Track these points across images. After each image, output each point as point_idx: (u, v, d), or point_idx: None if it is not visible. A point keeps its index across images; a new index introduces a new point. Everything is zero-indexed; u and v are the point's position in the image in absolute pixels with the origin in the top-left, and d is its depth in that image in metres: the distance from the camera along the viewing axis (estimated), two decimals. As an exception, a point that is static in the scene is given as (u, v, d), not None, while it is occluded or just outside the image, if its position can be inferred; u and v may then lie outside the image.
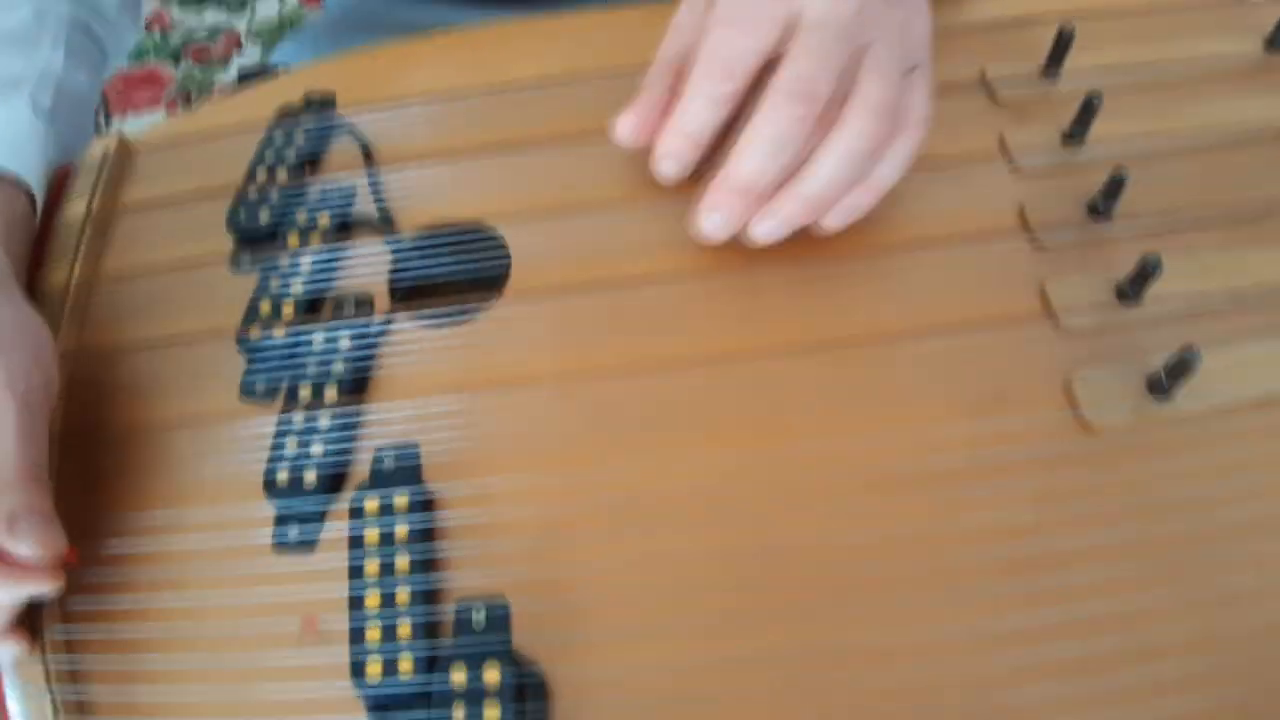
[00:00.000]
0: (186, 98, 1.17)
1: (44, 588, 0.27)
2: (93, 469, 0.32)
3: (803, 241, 0.34)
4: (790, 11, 0.30)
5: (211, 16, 1.28)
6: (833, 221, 0.32)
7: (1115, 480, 0.29)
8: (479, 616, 0.27)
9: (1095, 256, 0.33)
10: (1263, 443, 0.29)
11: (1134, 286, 0.31)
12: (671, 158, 0.33)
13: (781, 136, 0.29)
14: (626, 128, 0.33)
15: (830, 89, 0.29)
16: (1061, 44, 0.36)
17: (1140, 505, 0.28)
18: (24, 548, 0.26)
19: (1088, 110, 0.34)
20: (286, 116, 0.40)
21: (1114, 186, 0.33)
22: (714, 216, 0.31)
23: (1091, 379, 0.30)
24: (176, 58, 1.23)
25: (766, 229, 0.31)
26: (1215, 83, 0.37)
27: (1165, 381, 0.29)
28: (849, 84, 0.30)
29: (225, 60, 1.22)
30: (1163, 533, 0.28)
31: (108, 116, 1.14)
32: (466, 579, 0.28)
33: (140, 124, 1.14)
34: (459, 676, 0.26)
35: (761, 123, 0.29)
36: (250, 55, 1.23)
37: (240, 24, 1.27)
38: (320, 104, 0.41)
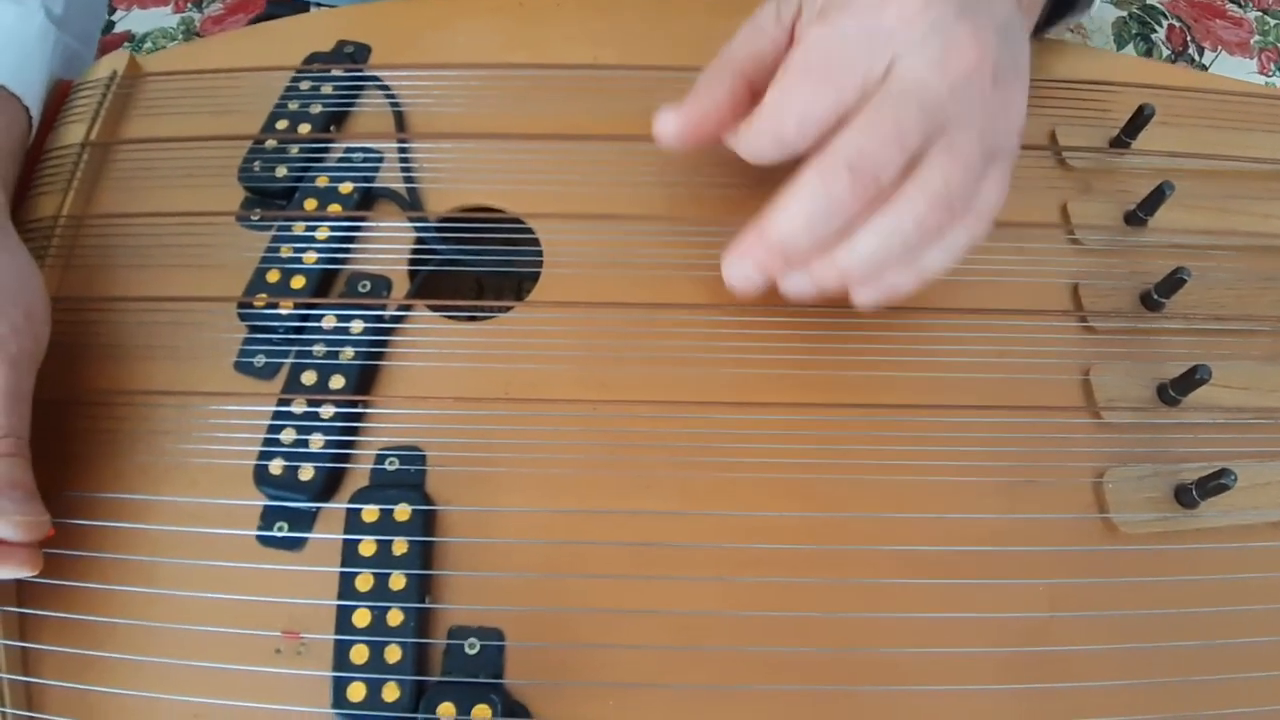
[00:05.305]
0: (198, 1, 1.10)
1: (23, 570, 0.25)
2: (62, 436, 0.29)
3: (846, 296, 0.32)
4: (884, 63, 0.26)
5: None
6: (866, 297, 0.28)
7: (1131, 590, 0.28)
8: (472, 649, 0.26)
9: (1142, 350, 0.32)
10: (1275, 569, 0.29)
11: (1179, 390, 0.30)
12: (744, 152, 0.29)
13: (829, 210, 0.26)
14: (669, 127, 0.29)
15: (896, 171, 0.26)
16: (1139, 120, 0.35)
17: (1152, 620, 0.28)
18: (3, 527, 0.24)
19: (1157, 196, 0.33)
20: (316, 63, 0.37)
21: (1173, 284, 0.32)
22: (741, 266, 0.28)
23: (1122, 481, 0.29)
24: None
25: (795, 286, 0.29)
26: (1280, 181, 0.37)
27: (1196, 495, 0.29)
28: (918, 158, 0.26)
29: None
30: (1170, 651, 0.27)
31: (111, 9, 1.07)
32: (462, 607, 0.27)
33: (145, 21, 1.07)
34: (447, 712, 0.24)
35: (811, 187, 0.26)
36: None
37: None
38: (353, 55, 0.38)
